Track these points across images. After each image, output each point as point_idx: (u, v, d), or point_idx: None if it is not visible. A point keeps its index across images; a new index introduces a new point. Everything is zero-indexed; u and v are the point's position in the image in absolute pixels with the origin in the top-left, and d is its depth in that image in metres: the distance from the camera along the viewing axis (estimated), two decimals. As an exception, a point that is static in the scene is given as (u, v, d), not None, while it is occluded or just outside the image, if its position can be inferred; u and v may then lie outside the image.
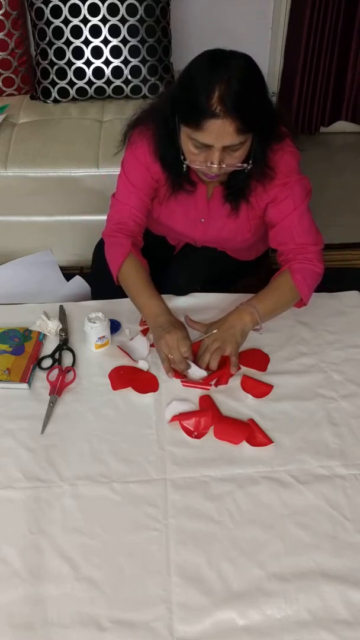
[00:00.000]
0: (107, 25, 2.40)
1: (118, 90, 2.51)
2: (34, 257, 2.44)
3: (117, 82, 2.49)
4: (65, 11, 2.38)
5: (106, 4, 2.37)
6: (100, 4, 2.37)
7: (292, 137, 1.47)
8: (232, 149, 1.30)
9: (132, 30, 2.41)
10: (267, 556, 1.11)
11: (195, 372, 1.40)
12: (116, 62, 2.45)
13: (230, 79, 1.21)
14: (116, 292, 1.56)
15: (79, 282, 2.34)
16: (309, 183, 1.51)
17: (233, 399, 1.37)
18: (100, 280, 1.74)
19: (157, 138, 1.44)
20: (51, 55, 2.45)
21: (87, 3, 2.37)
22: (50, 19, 2.39)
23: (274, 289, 1.49)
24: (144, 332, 1.50)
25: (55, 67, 2.46)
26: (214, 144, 1.27)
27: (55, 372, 1.42)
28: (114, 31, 2.41)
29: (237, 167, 1.35)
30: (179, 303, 1.60)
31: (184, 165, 1.38)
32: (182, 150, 1.36)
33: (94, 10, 2.38)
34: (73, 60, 2.45)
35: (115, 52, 2.44)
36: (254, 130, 1.30)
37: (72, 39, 2.42)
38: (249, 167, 1.36)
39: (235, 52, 1.27)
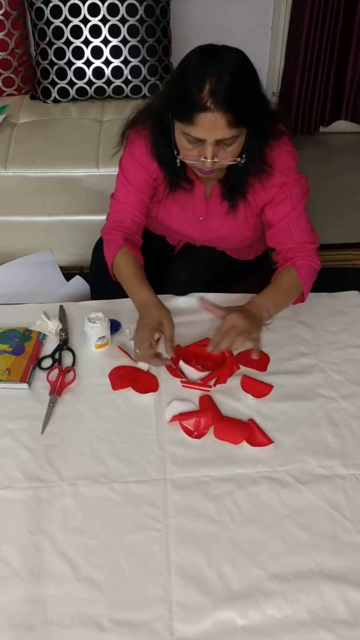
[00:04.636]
0: (107, 25, 2.40)
1: (118, 90, 2.51)
2: (34, 257, 2.44)
3: (117, 82, 2.49)
4: (65, 11, 2.38)
5: (106, 4, 2.37)
6: (100, 4, 2.37)
7: (289, 137, 1.47)
8: (226, 143, 1.30)
9: (132, 30, 2.41)
10: (267, 556, 1.11)
11: (191, 375, 1.40)
12: (116, 62, 2.45)
13: (221, 72, 1.22)
14: (116, 292, 1.56)
15: (79, 282, 2.35)
16: (307, 182, 1.51)
17: (233, 399, 1.37)
18: (99, 280, 1.74)
19: (153, 136, 1.44)
20: (51, 55, 2.45)
21: (87, 3, 2.37)
22: (50, 19, 2.39)
23: (282, 285, 1.49)
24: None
25: (55, 67, 2.46)
26: (206, 138, 1.27)
27: (55, 372, 1.42)
28: (114, 31, 2.41)
29: (231, 161, 1.35)
30: (179, 303, 1.60)
31: (178, 161, 1.38)
32: (176, 146, 1.36)
33: (94, 10, 2.38)
34: (73, 60, 2.45)
35: (115, 52, 2.44)
36: (247, 124, 1.30)
37: (72, 39, 2.42)
38: (242, 162, 1.36)
39: (226, 47, 1.27)
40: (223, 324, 1.37)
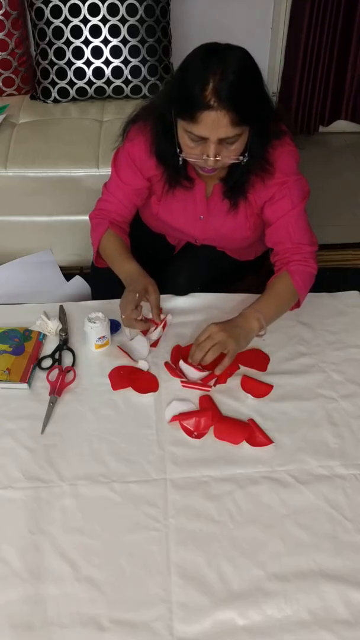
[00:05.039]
0: (107, 25, 2.40)
1: (118, 90, 2.51)
2: (34, 257, 2.44)
3: (117, 82, 2.49)
4: (65, 11, 2.38)
5: (106, 4, 2.37)
6: (100, 4, 2.37)
7: (291, 136, 1.47)
8: (228, 142, 1.30)
9: (132, 30, 2.41)
10: (267, 556, 1.11)
11: (190, 374, 1.40)
12: (116, 62, 2.45)
13: (225, 70, 1.22)
14: (116, 292, 1.56)
15: (79, 282, 2.35)
16: (307, 184, 1.51)
17: (233, 399, 1.37)
18: (100, 280, 1.74)
19: (154, 133, 1.44)
20: (51, 55, 2.45)
21: (87, 3, 2.37)
22: (50, 19, 2.39)
23: (276, 293, 1.48)
24: (144, 332, 1.50)
25: (55, 67, 2.46)
26: (209, 137, 1.27)
27: (55, 372, 1.42)
28: (114, 31, 2.41)
29: (233, 159, 1.35)
30: (179, 303, 1.60)
31: (180, 159, 1.38)
32: (178, 144, 1.36)
33: (94, 10, 2.38)
34: (73, 60, 2.45)
35: (115, 52, 2.43)
36: (250, 123, 1.30)
37: (72, 39, 2.42)
38: (244, 160, 1.36)
39: (230, 45, 1.27)
40: (200, 334, 1.38)
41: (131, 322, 1.40)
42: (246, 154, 1.35)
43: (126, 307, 1.40)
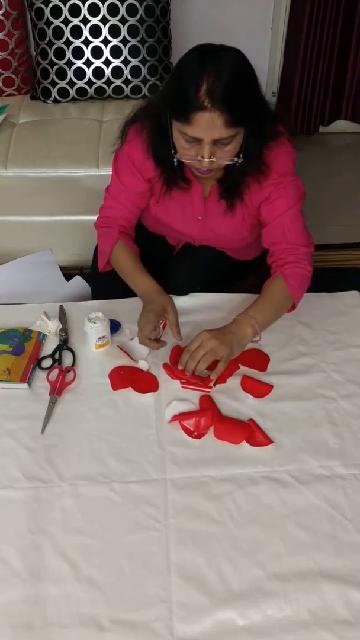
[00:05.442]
0: (107, 25, 2.40)
1: (118, 90, 2.51)
2: (34, 257, 2.44)
3: (117, 82, 2.49)
4: (65, 11, 2.38)
5: (106, 4, 2.37)
6: (100, 4, 2.37)
7: (289, 137, 1.47)
8: (223, 143, 1.30)
9: (132, 30, 2.41)
10: (267, 556, 1.11)
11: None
12: (116, 62, 2.45)
13: (219, 71, 1.21)
14: (116, 292, 1.56)
15: (79, 282, 2.35)
16: (303, 185, 1.50)
17: (233, 399, 1.37)
18: (100, 280, 1.74)
19: (151, 134, 1.44)
20: (51, 55, 2.45)
21: (87, 3, 2.37)
22: (50, 19, 2.39)
23: (270, 298, 1.47)
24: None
25: (55, 67, 2.46)
26: (203, 138, 1.27)
27: (55, 372, 1.42)
28: (114, 31, 2.41)
29: (228, 161, 1.35)
30: (179, 303, 1.59)
31: (175, 160, 1.38)
32: (173, 145, 1.36)
33: (94, 10, 2.38)
34: (73, 60, 2.45)
35: (115, 52, 2.43)
36: (245, 124, 1.30)
37: (72, 39, 2.42)
38: (239, 162, 1.36)
39: (224, 46, 1.27)
40: (191, 342, 1.37)
41: (146, 341, 1.41)
42: (241, 155, 1.35)
43: (145, 328, 1.41)
